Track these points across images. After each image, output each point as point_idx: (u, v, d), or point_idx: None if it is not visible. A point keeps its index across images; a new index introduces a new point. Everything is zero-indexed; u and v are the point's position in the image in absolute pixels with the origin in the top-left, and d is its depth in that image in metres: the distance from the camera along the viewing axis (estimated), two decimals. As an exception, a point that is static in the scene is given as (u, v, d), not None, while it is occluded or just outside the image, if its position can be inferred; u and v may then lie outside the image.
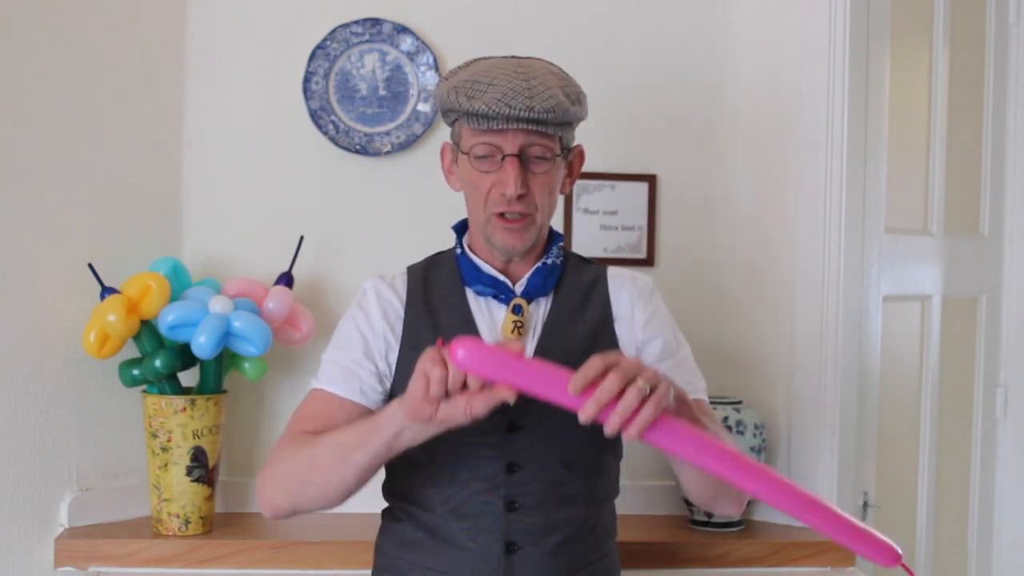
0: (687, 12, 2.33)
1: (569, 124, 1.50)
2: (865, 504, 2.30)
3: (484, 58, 1.53)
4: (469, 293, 1.55)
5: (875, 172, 2.28)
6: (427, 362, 1.23)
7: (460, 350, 1.21)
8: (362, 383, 1.51)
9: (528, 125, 1.44)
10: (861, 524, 1.26)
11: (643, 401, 1.18)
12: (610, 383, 1.17)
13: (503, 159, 1.46)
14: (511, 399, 1.22)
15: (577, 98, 1.50)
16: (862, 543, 1.25)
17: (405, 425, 1.31)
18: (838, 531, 1.25)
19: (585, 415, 1.18)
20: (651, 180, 2.33)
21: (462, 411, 1.24)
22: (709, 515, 2.16)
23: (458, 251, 1.58)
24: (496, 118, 1.43)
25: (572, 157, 1.58)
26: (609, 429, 1.18)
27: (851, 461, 2.23)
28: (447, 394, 1.24)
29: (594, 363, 1.19)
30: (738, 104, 2.33)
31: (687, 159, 2.34)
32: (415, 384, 1.25)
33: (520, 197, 1.47)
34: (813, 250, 2.19)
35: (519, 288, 1.54)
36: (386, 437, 1.33)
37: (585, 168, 2.02)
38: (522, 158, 1.47)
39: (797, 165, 2.22)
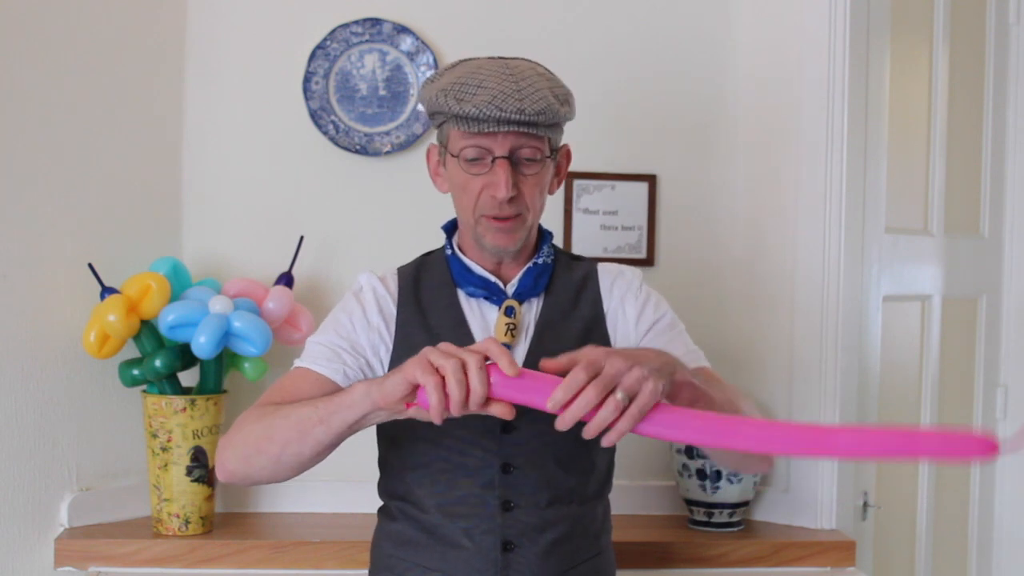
0: (687, 12, 2.33)
1: (558, 125, 1.51)
2: (865, 504, 2.31)
3: (470, 59, 1.52)
4: (460, 294, 1.55)
5: (875, 172, 2.28)
6: (417, 371, 1.22)
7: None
8: (346, 367, 1.49)
9: (518, 128, 1.43)
10: (920, 429, 1.16)
11: (623, 410, 1.20)
12: (586, 398, 1.19)
13: (493, 161, 1.46)
14: (498, 415, 1.23)
15: (565, 99, 1.50)
16: (933, 448, 1.15)
17: (369, 411, 1.30)
18: (893, 449, 1.16)
19: (561, 425, 1.21)
20: (651, 180, 2.33)
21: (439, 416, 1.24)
22: (709, 515, 2.16)
23: (448, 252, 1.58)
24: (487, 121, 1.42)
25: (560, 157, 1.58)
26: (586, 435, 1.21)
27: (851, 461, 2.23)
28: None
29: (577, 377, 1.19)
30: (738, 104, 2.33)
31: (687, 159, 2.34)
32: (397, 386, 1.24)
33: (511, 199, 1.46)
34: (813, 250, 2.19)
35: (510, 289, 1.54)
36: (351, 419, 1.32)
37: (585, 168, 2.04)
38: (512, 160, 1.46)
39: (797, 165, 2.22)
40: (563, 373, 1.22)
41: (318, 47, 2.24)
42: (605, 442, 1.22)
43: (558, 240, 2.27)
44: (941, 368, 2.55)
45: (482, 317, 1.54)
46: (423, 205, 2.23)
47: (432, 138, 2.23)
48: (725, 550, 2.08)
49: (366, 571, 1.66)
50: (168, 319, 1.96)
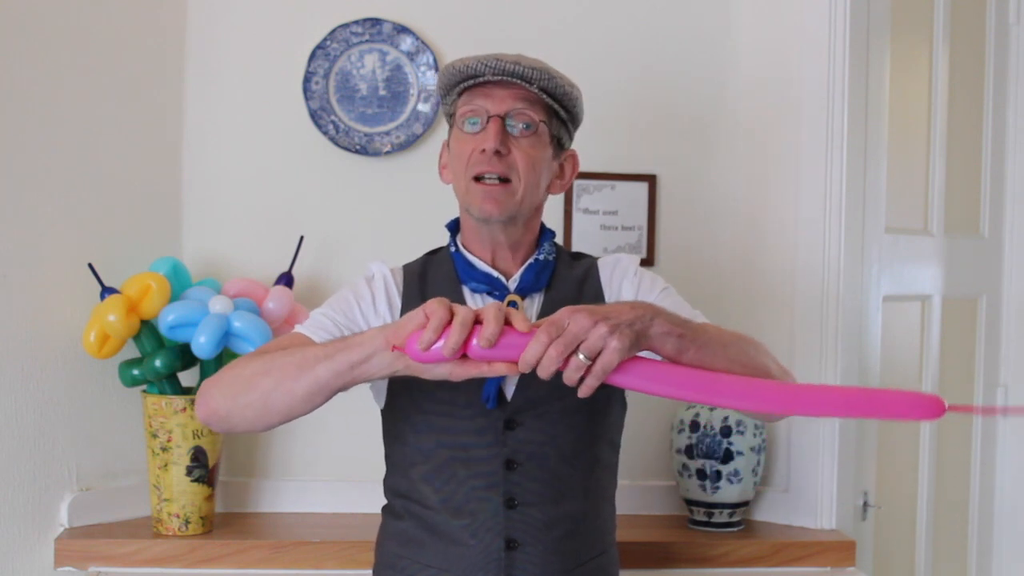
0: (687, 12, 2.33)
1: (556, 98, 1.53)
2: (865, 504, 2.31)
3: None
4: (465, 290, 1.57)
5: (875, 172, 2.28)
6: (433, 304, 1.25)
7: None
8: None
9: (512, 78, 1.48)
10: (879, 390, 1.29)
11: (588, 368, 1.24)
12: (549, 359, 1.22)
13: (488, 121, 1.50)
14: (498, 374, 1.26)
15: (571, 84, 1.55)
16: (889, 409, 1.25)
17: (379, 349, 1.30)
18: (858, 408, 1.28)
19: (541, 374, 1.24)
20: (651, 180, 2.33)
21: (443, 369, 1.27)
22: (709, 515, 2.16)
23: (452, 249, 1.60)
24: (483, 72, 1.48)
25: (564, 159, 1.61)
26: (566, 382, 1.26)
27: (851, 461, 2.23)
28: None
29: (540, 340, 1.23)
30: (738, 104, 2.33)
31: (687, 159, 2.34)
32: (411, 318, 1.27)
33: (499, 156, 1.49)
34: (813, 250, 2.19)
35: (512, 284, 1.56)
36: (355, 357, 1.31)
37: (585, 168, 2.02)
38: (507, 125, 1.50)
39: (797, 165, 2.22)
40: None
41: (318, 47, 2.24)
42: (580, 394, 1.26)
43: (558, 240, 2.27)
44: (941, 368, 2.55)
45: None
46: (423, 205, 2.23)
47: (433, 139, 2.26)
48: (725, 550, 2.08)
49: (366, 571, 1.66)
50: (168, 319, 1.96)
